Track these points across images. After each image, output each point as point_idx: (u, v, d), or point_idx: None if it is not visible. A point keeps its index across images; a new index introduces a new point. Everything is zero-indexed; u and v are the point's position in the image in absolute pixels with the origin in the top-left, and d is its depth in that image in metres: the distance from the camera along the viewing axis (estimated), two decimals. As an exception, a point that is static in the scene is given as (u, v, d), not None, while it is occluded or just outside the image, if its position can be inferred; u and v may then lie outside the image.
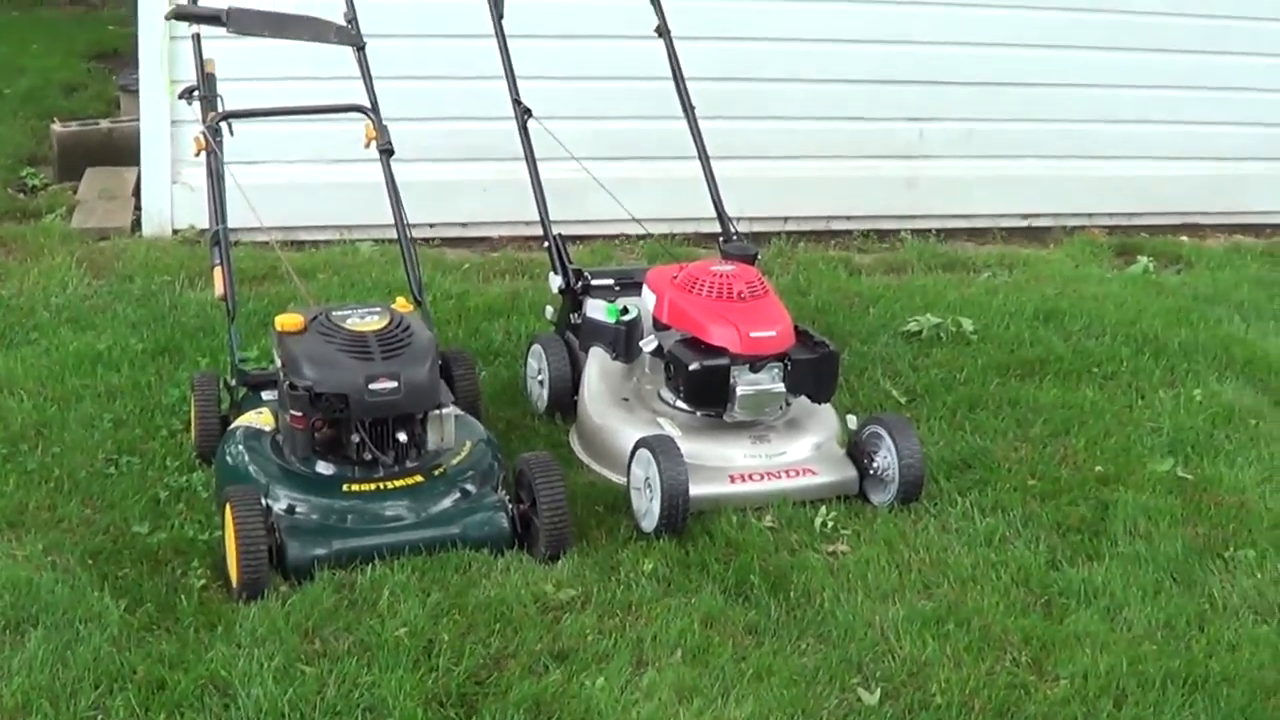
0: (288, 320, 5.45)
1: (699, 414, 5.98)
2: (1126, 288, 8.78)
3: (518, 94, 6.91)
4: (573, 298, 6.67)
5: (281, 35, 6.23)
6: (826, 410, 6.15)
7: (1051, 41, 9.98)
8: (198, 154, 6.06)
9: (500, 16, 6.96)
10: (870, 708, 4.66)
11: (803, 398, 6.05)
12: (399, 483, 5.35)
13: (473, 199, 9.16)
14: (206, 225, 6.59)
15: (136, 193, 9.11)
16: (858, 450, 5.92)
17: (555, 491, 5.28)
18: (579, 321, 6.56)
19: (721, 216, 7.01)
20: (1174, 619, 5.14)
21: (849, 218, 9.83)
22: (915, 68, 9.76)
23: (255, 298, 7.57)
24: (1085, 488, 6.09)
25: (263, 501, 5.17)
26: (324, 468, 5.39)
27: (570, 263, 6.72)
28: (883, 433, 5.83)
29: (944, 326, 7.68)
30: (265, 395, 5.86)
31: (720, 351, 5.84)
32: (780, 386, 5.91)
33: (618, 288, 6.60)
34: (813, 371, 5.96)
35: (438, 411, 5.43)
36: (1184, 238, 10.16)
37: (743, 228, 7.24)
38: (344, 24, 6.51)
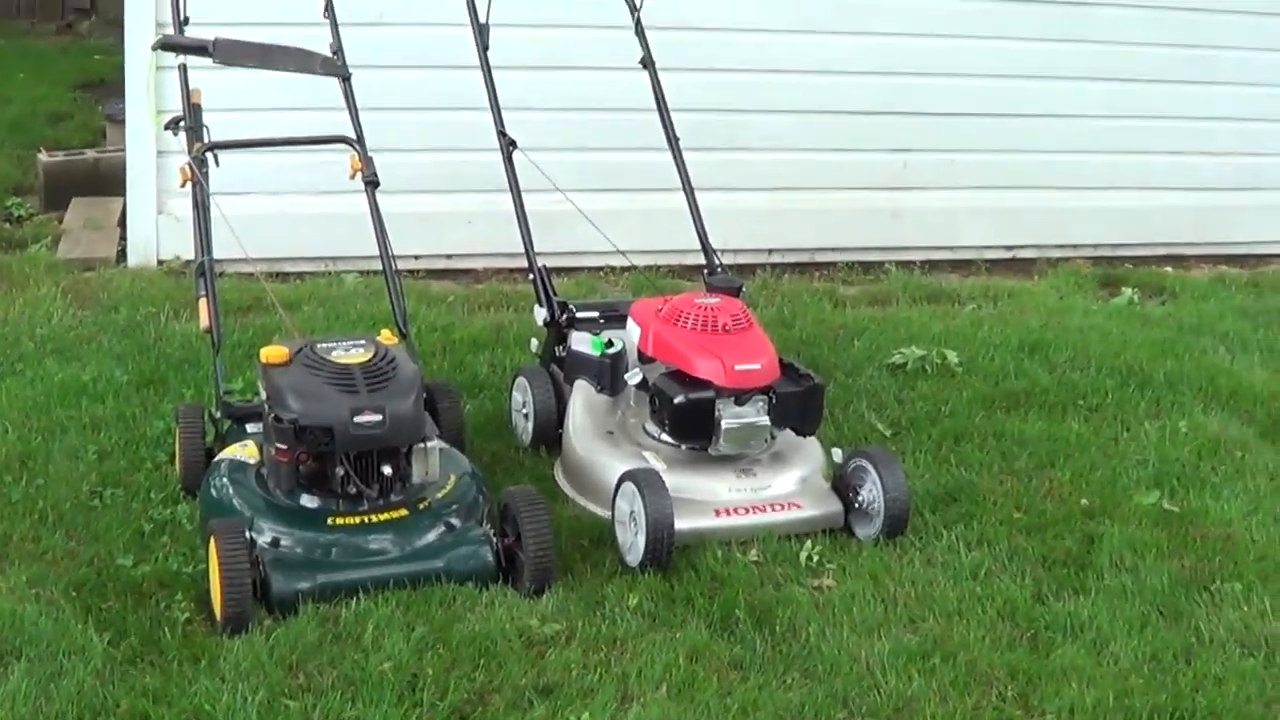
0: (272, 353, 5.44)
1: (684, 447, 5.97)
2: (1111, 319, 8.79)
3: (503, 125, 6.91)
4: (557, 330, 6.66)
5: (267, 66, 6.22)
6: (812, 443, 6.14)
7: (1035, 72, 10.02)
8: (183, 185, 6.05)
9: (485, 48, 6.97)
10: (856, 743, 4.67)
11: (788, 431, 6.04)
12: (383, 516, 5.34)
13: (458, 231, 9.16)
14: (192, 256, 6.58)
15: (122, 223, 9.09)
16: (843, 484, 5.91)
17: (540, 525, 5.27)
18: (564, 354, 6.56)
19: (706, 249, 7.01)
20: (1160, 652, 5.13)
21: (833, 250, 9.84)
22: (899, 99, 9.79)
23: (240, 329, 7.56)
24: (1071, 521, 6.08)
25: (247, 534, 5.15)
26: (308, 501, 5.37)
27: (555, 295, 6.72)
28: (868, 466, 5.83)
29: (929, 359, 7.68)
30: (250, 428, 5.84)
31: (705, 385, 5.83)
32: (765, 420, 5.90)
33: (602, 320, 6.60)
34: (798, 404, 5.96)
35: (423, 445, 5.42)
36: (1168, 269, 10.18)
37: (727, 260, 7.24)
38: (329, 55, 6.51)
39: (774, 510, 5.82)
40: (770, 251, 9.71)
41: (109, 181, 9.63)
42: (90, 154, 10.26)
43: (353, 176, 6.19)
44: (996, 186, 10.15)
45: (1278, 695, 4.94)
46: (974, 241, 10.11)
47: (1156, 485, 6.42)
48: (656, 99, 7.18)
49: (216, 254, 5.99)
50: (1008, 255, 10.18)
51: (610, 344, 6.34)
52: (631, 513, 5.55)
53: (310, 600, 5.09)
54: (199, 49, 6.01)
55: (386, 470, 5.35)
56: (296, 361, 5.40)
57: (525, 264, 6.82)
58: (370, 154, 6.24)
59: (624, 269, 8.88)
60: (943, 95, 9.85)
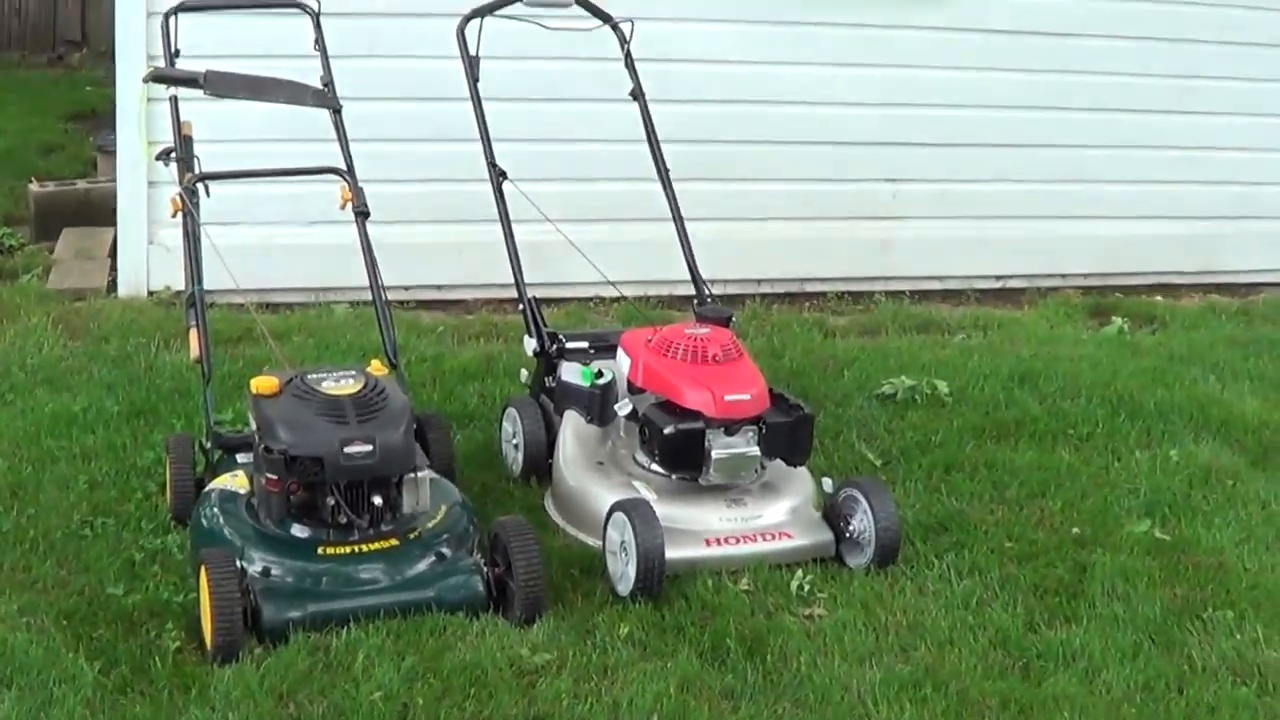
0: (263, 383, 5.44)
1: (674, 477, 5.96)
2: (1101, 348, 8.80)
3: (493, 156, 6.92)
4: (547, 361, 6.67)
5: (258, 98, 6.24)
6: (802, 473, 6.14)
7: (1024, 102, 10.05)
8: (174, 215, 6.05)
9: (475, 80, 6.98)
10: (847, 772, 4.67)
11: (778, 461, 6.05)
12: (374, 546, 5.33)
13: (448, 261, 9.18)
14: (182, 287, 6.58)
15: (113, 254, 9.09)
16: (834, 513, 5.91)
17: (530, 555, 5.27)
18: (554, 385, 6.55)
19: (696, 279, 7.03)
20: (1153, 681, 5.12)
21: (823, 280, 9.86)
22: (888, 129, 9.82)
23: (230, 360, 7.56)
24: (1062, 550, 6.08)
25: (237, 564, 5.15)
26: (299, 530, 5.36)
27: (545, 326, 6.72)
28: (859, 496, 5.83)
29: (919, 389, 7.68)
30: (240, 458, 5.84)
31: (695, 415, 5.83)
32: (755, 450, 5.90)
33: (592, 351, 6.60)
34: (788, 434, 5.96)
35: (413, 475, 5.42)
36: (1158, 298, 10.20)
37: (717, 290, 7.24)
38: (320, 87, 6.54)
39: (765, 540, 5.82)
40: (760, 282, 9.72)
41: (100, 212, 9.65)
42: (81, 185, 10.27)
43: (343, 207, 6.20)
44: (986, 216, 10.17)
45: (1270, 724, 4.95)
46: (964, 271, 10.13)
47: (1148, 514, 6.42)
48: (646, 130, 7.20)
49: (207, 284, 5.99)
50: (997, 285, 10.20)
51: (600, 374, 6.34)
52: (622, 542, 5.54)
53: (301, 629, 5.09)
54: (190, 81, 6.03)
55: (377, 500, 5.35)
56: (287, 392, 5.41)
57: (515, 294, 6.84)
58: (360, 185, 6.24)
59: (614, 299, 8.88)
60: (932, 126, 9.88)
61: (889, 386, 7.73)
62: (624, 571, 5.53)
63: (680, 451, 5.85)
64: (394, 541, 5.36)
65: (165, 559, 5.69)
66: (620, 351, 6.27)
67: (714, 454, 5.83)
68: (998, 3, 9.87)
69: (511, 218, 6.85)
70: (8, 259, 9.45)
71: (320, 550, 5.29)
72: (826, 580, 5.72)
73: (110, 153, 9.59)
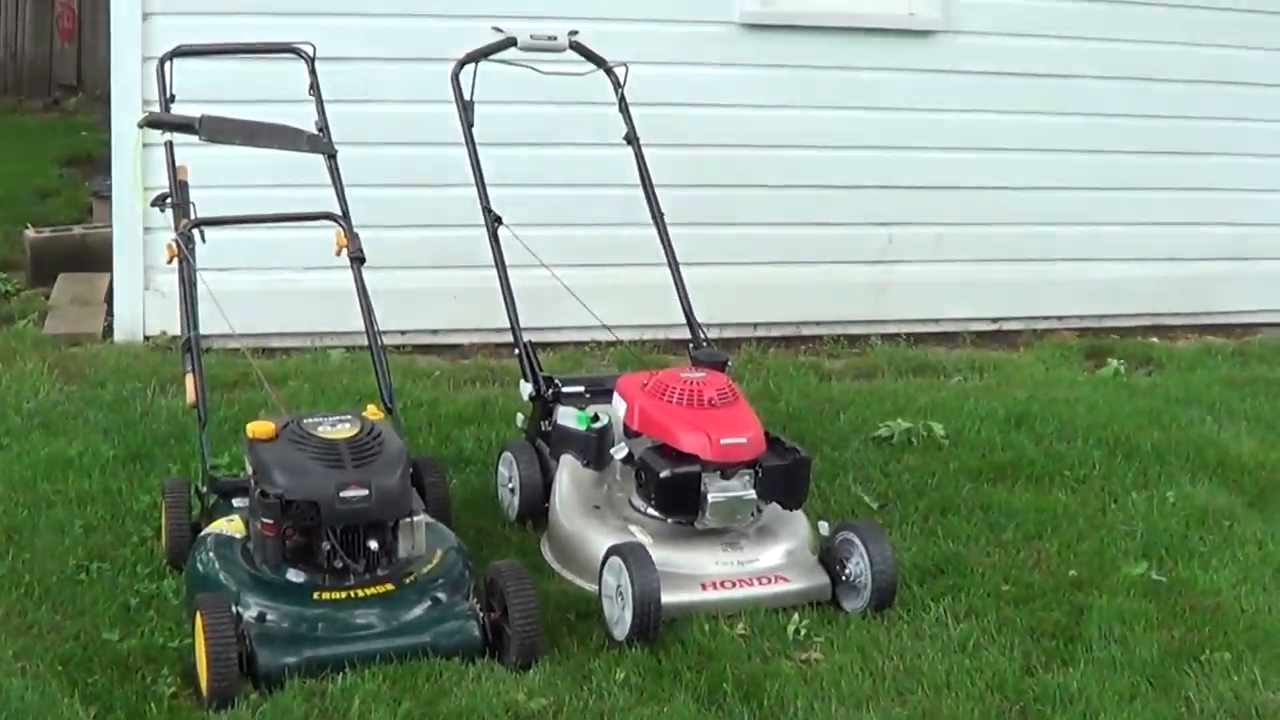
0: (259, 428, 5.44)
1: (670, 521, 5.96)
2: (1098, 390, 8.80)
3: (488, 201, 6.92)
4: (543, 405, 6.66)
5: (254, 144, 6.25)
6: (798, 517, 6.13)
7: (1018, 144, 10.09)
8: (170, 261, 6.05)
9: (470, 125, 6.99)
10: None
11: (774, 504, 6.04)
12: (370, 591, 5.32)
13: (443, 306, 9.19)
14: (178, 331, 6.58)
15: (109, 299, 9.10)
16: (830, 557, 5.90)
17: (527, 600, 5.26)
18: (550, 429, 6.55)
19: (691, 323, 7.02)
20: (1150, 724, 5.13)
21: (819, 323, 9.87)
22: (883, 173, 9.85)
23: (226, 404, 7.55)
24: (1059, 592, 6.07)
25: (233, 609, 5.13)
26: (295, 575, 5.35)
27: (541, 370, 6.72)
28: (855, 539, 5.82)
29: (915, 431, 7.69)
30: (236, 502, 5.82)
31: (691, 459, 5.83)
32: (751, 493, 5.90)
33: (588, 395, 6.60)
34: (784, 478, 5.96)
35: (409, 519, 5.40)
36: (1154, 339, 10.22)
37: (713, 334, 7.25)
38: (316, 133, 6.54)
39: (761, 584, 5.81)
40: (755, 325, 9.73)
41: (96, 257, 9.66)
42: (77, 230, 10.30)
43: (338, 253, 6.20)
44: (981, 259, 10.19)
45: (1268, 766, 4.94)
46: (959, 314, 10.14)
47: (1145, 556, 6.41)
48: (641, 174, 7.20)
49: (203, 329, 6.00)
50: (993, 327, 10.21)
51: (596, 418, 6.34)
52: (618, 587, 5.53)
53: (296, 675, 5.07)
54: (185, 126, 6.04)
55: (372, 545, 5.33)
56: (283, 437, 5.40)
57: (511, 339, 6.84)
58: (356, 230, 6.25)
59: (609, 344, 8.89)
60: (927, 168, 9.91)
61: (885, 429, 7.73)
62: (620, 616, 5.52)
63: (676, 495, 5.85)
64: (390, 586, 5.34)
65: (161, 604, 5.68)
66: (616, 395, 6.27)
67: (710, 498, 5.82)
68: (990, 45, 9.90)
69: (507, 262, 6.86)
70: (4, 304, 9.46)
71: (316, 595, 5.28)
72: (823, 624, 5.71)
73: (106, 198, 9.61)
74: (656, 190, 7.20)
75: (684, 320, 7.05)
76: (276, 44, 6.95)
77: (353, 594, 5.30)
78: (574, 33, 7.14)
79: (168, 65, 6.64)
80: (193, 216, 6.14)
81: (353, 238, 6.21)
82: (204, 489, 6.01)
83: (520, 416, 6.99)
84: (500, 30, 7.04)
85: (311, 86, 6.77)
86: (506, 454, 6.70)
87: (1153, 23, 10.17)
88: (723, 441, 5.83)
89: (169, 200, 6.27)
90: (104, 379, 8.05)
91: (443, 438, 7.47)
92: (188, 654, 5.23)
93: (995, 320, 10.22)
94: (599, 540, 5.89)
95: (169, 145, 6.30)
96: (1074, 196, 10.25)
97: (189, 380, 5.89)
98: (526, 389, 6.73)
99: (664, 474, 5.81)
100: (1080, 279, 10.36)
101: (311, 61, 6.77)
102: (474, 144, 6.98)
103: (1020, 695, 5.27)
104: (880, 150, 9.82)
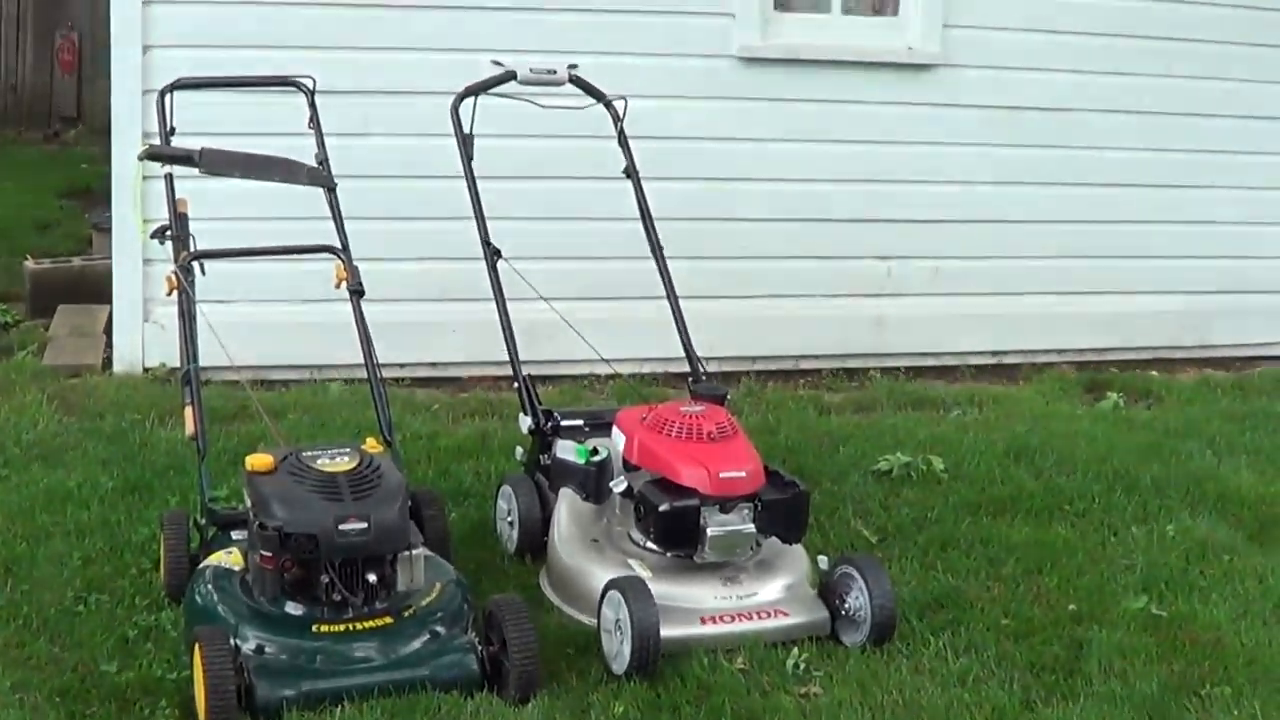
0: (258, 460, 5.43)
1: (669, 555, 5.94)
2: (1097, 424, 8.80)
3: (487, 235, 6.93)
4: (542, 438, 6.66)
5: (253, 176, 6.26)
6: (797, 551, 6.13)
7: (1017, 178, 10.10)
8: (169, 293, 6.05)
9: (470, 158, 7.00)
10: None
11: (773, 538, 6.03)
12: (368, 624, 5.31)
13: (443, 339, 9.19)
14: (178, 363, 6.59)
15: (108, 330, 9.11)
16: (829, 591, 5.89)
17: (525, 633, 5.25)
18: (549, 462, 6.55)
19: (690, 356, 7.02)
20: (1150, 760, 5.12)
21: (818, 356, 9.86)
22: (882, 206, 9.86)
23: (225, 436, 7.55)
24: (1059, 626, 6.06)
25: (231, 641, 5.12)
26: (293, 608, 5.34)
27: (540, 403, 6.72)
28: (854, 573, 5.81)
29: (914, 465, 7.68)
30: (235, 535, 5.82)
31: (690, 492, 5.82)
32: (751, 527, 5.89)
33: (587, 428, 6.60)
34: (783, 512, 5.95)
35: (407, 552, 5.39)
36: (1154, 372, 10.21)
37: (712, 367, 7.25)
38: (315, 165, 6.55)
39: (760, 618, 5.80)
40: (754, 359, 9.72)
41: (95, 289, 9.66)
42: (77, 262, 10.30)
43: (338, 285, 6.20)
44: (980, 293, 10.19)
45: (1268, 802, 4.93)
46: (958, 347, 10.14)
47: (1144, 590, 6.40)
48: (640, 208, 7.21)
49: (202, 361, 6.00)
50: (992, 360, 10.21)
51: (595, 452, 6.33)
52: (617, 621, 5.52)
53: (295, 708, 5.06)
54: (185, 159, 6.05)
55: (371, 578, 5.32)
56: (282, 469, 5.40)
57: (510, 372, 6.83)
58: (355, 263, 6.25)
59: (608, 377, 8.89)
60: (926, 202, 9.92)
61: (884, 463, 7.72)
62: (619, 650, 5.51)
63: (675, 529, 5.84)
64: (388, 619, 5.34)
65: (159, 636, 5.67)
66: (615, 429, 6.27)
67: (709, 531, 5.81)
68: (989, 79, 9.91)
69: (506, 296, 6.86)
70: (3, 335, 9.47)
71: (314, 628, 5.27)
72: (822, 658, 5.70)
73: (106, 230, 9.61)
74: (656, 223, 7.20)
75: (683, 354, 7.04)
76: (276, 77, 6.97)
77: (351, 627, 5.29)
78: (573, 66, 7.16)
79: (168, 98, 6.64)
80: (192, 249, 6.15)
81: (352, 270, 6.21)
82: (203, 521, 6.00)
83: (519, 450, 6.99)
84: (500, 64, 7.05)
85: (311, 119, 6.77)
86: (505, 487, 6.69)
87: (1152, 56, 10.19)
88: (722, 475, 5.83)
89: (169, 232, 6.27)
90: (103, 411, 8.05)
91: (442, 471, 7.46)
92: (186, 686, 5.22)
93: (995, 354, 10.22)
94: (598, 574, 5.88)
95: (169, 178, 6.30)
96: (1074, 230, 10.25)
97: (188, 412, 5.89)
98: (526, 422, 6.73)
99: (663, 508, 5.80)
100: (1080, 312, 10.35)
101: (311, 95, 6.78)
102: (473, 177, 6.99)
103: (1020, 730, 5.27)
104: (879, 184, 9.83)
